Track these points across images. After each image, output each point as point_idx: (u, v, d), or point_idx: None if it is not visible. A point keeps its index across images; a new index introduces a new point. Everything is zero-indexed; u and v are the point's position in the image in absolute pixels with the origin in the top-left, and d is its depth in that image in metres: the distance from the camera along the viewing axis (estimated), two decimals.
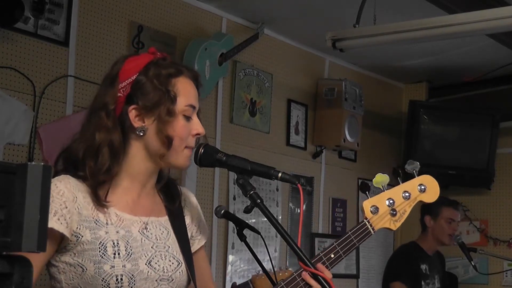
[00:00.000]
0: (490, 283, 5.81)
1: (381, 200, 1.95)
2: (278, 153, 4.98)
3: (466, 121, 5.78)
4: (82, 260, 1.65)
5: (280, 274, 2.82)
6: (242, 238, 2.87)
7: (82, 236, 1.65)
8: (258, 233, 2.84)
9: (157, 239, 1.76)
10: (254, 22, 4.73)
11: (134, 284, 1.67)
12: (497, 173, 5.82)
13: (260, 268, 2.81)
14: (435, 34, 3.85)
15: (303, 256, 1.75)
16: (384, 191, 1.95)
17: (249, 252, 2.84)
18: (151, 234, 1.75)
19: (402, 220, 1.97)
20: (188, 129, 1.75)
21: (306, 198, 5.20)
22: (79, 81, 3.69)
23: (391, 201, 1.95)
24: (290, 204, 5.05)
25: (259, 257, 2.86)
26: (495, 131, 5.71)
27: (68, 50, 3.67)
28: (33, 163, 1.00)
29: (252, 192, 1.76)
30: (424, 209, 4.55)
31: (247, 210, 1.78)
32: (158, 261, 1.73)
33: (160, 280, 1.73)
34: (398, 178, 2.01)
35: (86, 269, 1.64)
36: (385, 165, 5.97)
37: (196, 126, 1.77)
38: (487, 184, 5.81)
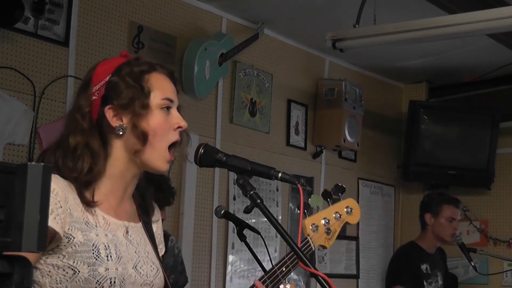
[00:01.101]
0: (490, 283, 5.80)
1: (319, 219, 2.17)
2: (278, 153, 4.98)
3: (466, 121, 5.78)
4: (73, 262, 1.61)
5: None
6: (242, 238, 2.88)
7: (74, 238, 1.62)
8: (258, 233, 2.85)
9: (138, 245, 1.76)
10: (254, 22, 4.73)
11: None
12: (497, 173, 5.82)
13: (260, 269, 2.82)
14: (435, 34, 3.85)
15: (303, 256, 1.75)
16: (318, 211, 2.17)
17: (249, 252, 2.85)
18: (132, 239, 1.75)
19: (334, 239, 2.21)
20: (168, 123, 1.73)
21: (306, 198, 5.19)
22: (79, 81, 3.68)
23: (326, 221, 2.18)
24: (290, 204, 5.05)
25: (259, 257, 2.87)
26: (495, 131, 5.71)
27: (68, 50, 3.67)
28: (33, 163, 1.00)
29: (252, 192, 1.76)
30: (424, 207, 4.50)
31: (247, 210, 1.78)
32: (142, 266, 1.73)
33: (144, 285, 1.73)
34: (328, 200, 2.18)
35: (79, 272, 1.60)
36: (385, 165, 5.98)
37: (177, 119, 1.74)
38: (487, 184, 5.81)
